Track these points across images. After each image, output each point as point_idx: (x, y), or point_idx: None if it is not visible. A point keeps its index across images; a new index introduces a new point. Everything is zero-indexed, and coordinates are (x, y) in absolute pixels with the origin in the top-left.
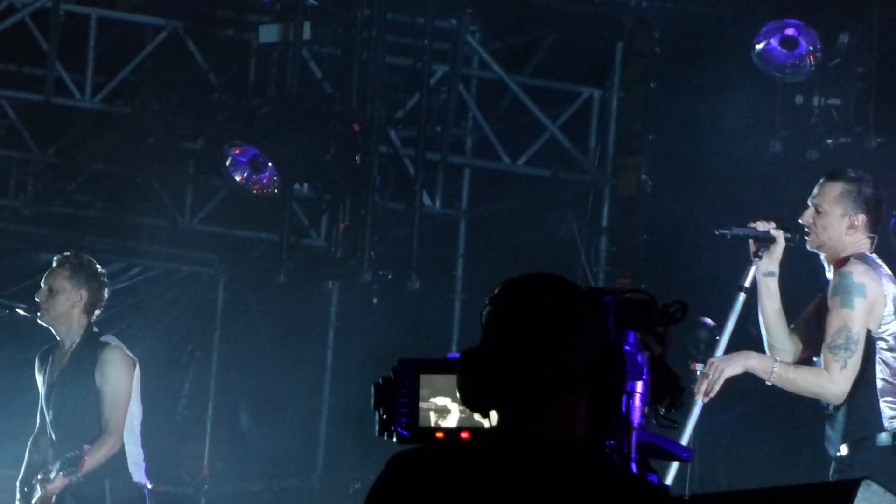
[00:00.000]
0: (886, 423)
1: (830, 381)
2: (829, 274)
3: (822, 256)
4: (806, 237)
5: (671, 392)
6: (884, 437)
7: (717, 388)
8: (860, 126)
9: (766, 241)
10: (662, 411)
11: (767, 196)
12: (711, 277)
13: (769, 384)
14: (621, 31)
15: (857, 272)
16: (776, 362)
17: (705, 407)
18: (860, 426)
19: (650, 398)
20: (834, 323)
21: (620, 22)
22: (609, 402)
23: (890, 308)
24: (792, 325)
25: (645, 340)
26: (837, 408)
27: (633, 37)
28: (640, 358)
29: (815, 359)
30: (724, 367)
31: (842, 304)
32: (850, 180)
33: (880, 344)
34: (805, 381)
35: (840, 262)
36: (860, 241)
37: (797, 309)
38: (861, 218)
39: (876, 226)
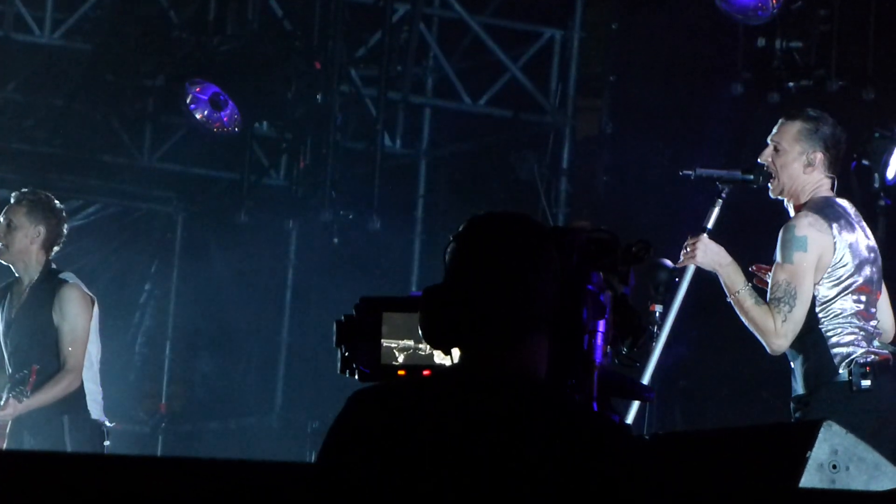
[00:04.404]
0: (842, 370)
1: (775, 332)
2: (792, 214)
3: (786, 202)
4: (769, 183)
5: (633, 331)
6: (842, 374)
7: (682, 264)
8: (822, 69)
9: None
10: (624, 350)
11: (728, 138)
12: (670, 219)
13: (728, 301)
14: None
15: (801, 225)
16: (746, 286)
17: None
18: (816, 376)
19: (612, 338)
20: (775, 276)
21: None
22: (571, 340)
23: (844, 255)
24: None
25: (608, 280)
26: (795, 360)
27: None
28: (602, 297)
29: None
30: (698, 256)
31: (782, 259)
32: (809, 119)
33: (831, 289)
34: (755, 318)
35: (797, 208)
36: (819, 180)
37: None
38: (819, 156)
39: (835, 165)
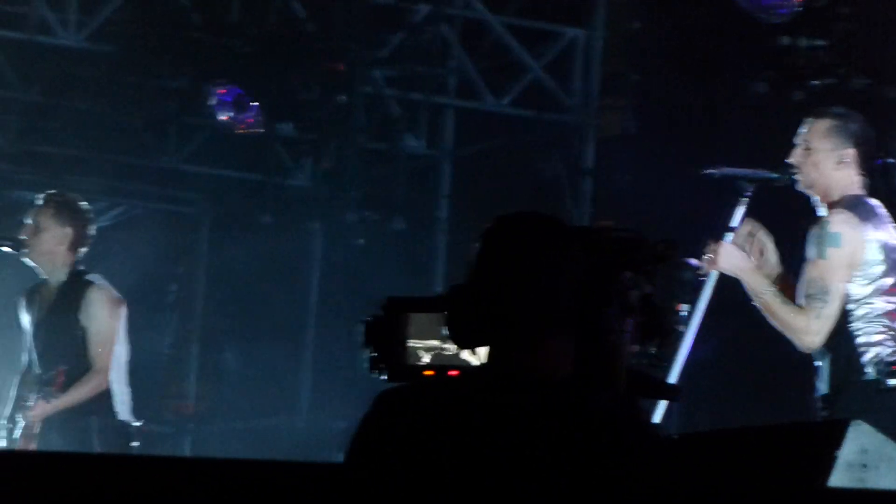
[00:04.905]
0: (868, 369)
1: (806, 330)
2: (823, 212)
3: (816, 199)
4: (797, 177)
5: (660, 331)
6: (869, 373)
7: (704, 270)
8: (846, 67)
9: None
10: (652, 350)
11: (752, 137)
12: (695, 218)
13: (754, 303)
14: None
15: (835, 221)
16: (771, 288)
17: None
18: (843, 375)
19: (639, 337)
20: (808, 273)
21: None
22: (598, 340)
23: (875, 254)
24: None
25: (634, 279)
26: (822, 358)
27: None
28: (629, 297)
29: None
30: (720, 262)
31: (816, 255)
32: (837, 116)
33: (863, 288)
34: (784, 318)
35: (830, 206)
36: (851, 178)
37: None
38: (851, 153)
39: (866, 162)
